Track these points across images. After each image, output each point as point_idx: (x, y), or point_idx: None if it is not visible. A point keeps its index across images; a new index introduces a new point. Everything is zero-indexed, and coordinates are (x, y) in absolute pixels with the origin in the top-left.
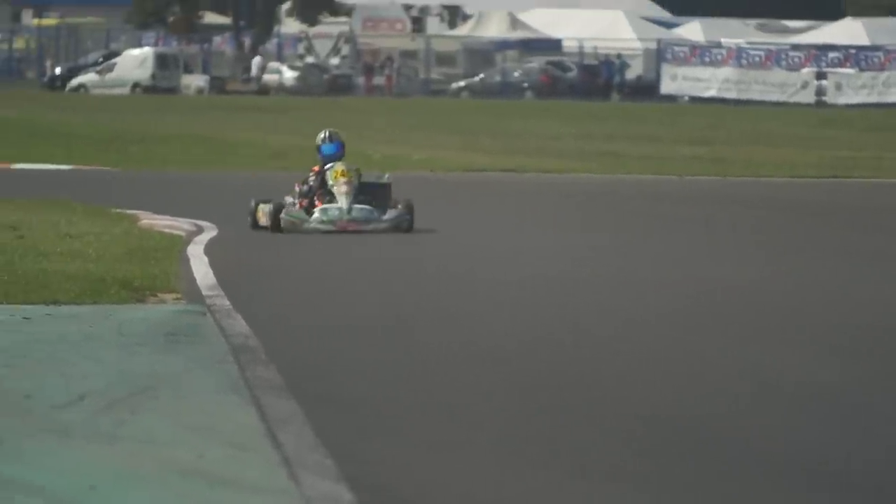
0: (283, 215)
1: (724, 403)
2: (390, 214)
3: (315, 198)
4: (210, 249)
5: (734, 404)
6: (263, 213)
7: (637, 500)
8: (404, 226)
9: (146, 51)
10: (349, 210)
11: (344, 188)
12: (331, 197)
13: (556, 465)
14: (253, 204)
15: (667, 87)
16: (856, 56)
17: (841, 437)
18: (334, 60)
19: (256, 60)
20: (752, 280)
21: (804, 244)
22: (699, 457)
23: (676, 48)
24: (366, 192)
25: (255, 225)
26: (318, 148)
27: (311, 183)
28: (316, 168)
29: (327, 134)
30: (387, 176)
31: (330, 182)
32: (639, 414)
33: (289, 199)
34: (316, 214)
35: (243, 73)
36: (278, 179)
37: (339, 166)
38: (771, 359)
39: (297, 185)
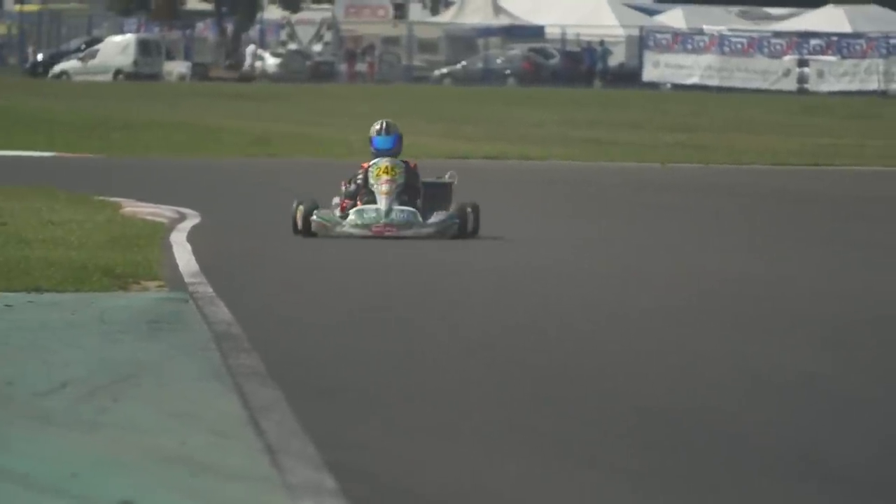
0: (313, 217)
1: (714, 395)
2: (436, 218)
3: (357, 198)
4: (193, 237)
5: (724, 396)
6: (301, 214)
7: (624, 491)
8: (451, 231)
9: (128, 37)
10: (388, 212)
11: (385, 187)
12: (372, 197)
13: (542, 453)
14: (294, 206)
15: (649, 74)
16: (838, 43)
17: (833, 429)
18: (317, 47)
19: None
20: (739, 270)
21: (788, 233)
22: (690, 448)
23: (659, 35)
24: (411, 192)
25: (297, 229)
26: (371, 140)
27: (359, 181)
28: (365, 164)
29: (383, 125)
30: (448, 175)
31: (371, 180)
32: (628, 405)
33: (335, 200)
34: (351, 216)
35: (226, 59)
36: (261, 166)
37: (384, 162)
38: (761, 350)
39: (343, 183)
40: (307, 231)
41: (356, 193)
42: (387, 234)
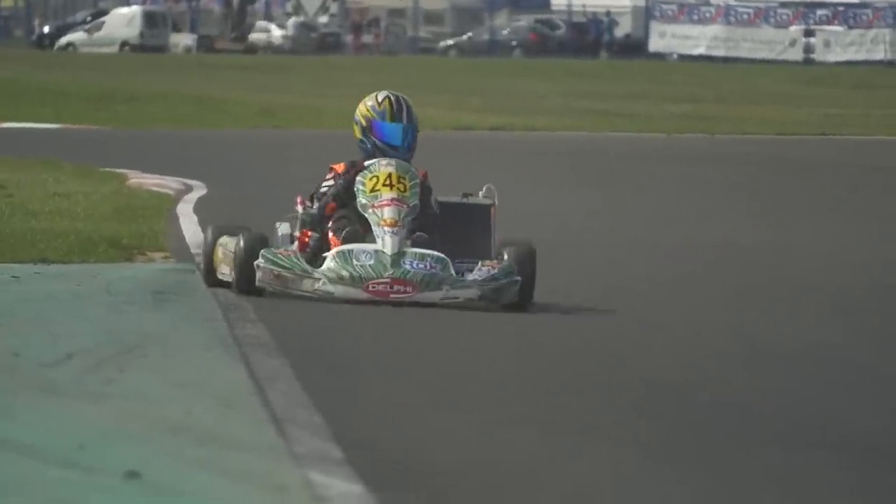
0: (259, 262)
1: (719, 365)
2: (481, 273)
3: (330, 227)
4: (199, 208)
5: (730, 366)
6: (226, 255)
7: (627, 460)
8: (509, 295)
9: (134, 9)
10: (396, 258)
11: (389, 212)
12: (357, 227)
13: (545, 424)
14: (210, 237)
15: (655, 44)
16: (844, 13)
17: (838, 398)
18: (323, 19)
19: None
20: (744, 240)
21: (794, 203)
22: (695, 419)
23: (665, 6)
24: (424, 221)
25: (212, 276)
26: (369, 125)
27: (330, 197)
28: (340, 166)
29: (397, 102)
30: (485, 190)
31: (362, 198)
32: (634, 377)
33: (282, 229)
34: (329, 264)
35: (232, 31)
36: (267, 138)
37: (388, 167)
38: (766, 319)
39: (299, 201)
40: (246, 284)
41: (321, 219)
42: (394, 297)
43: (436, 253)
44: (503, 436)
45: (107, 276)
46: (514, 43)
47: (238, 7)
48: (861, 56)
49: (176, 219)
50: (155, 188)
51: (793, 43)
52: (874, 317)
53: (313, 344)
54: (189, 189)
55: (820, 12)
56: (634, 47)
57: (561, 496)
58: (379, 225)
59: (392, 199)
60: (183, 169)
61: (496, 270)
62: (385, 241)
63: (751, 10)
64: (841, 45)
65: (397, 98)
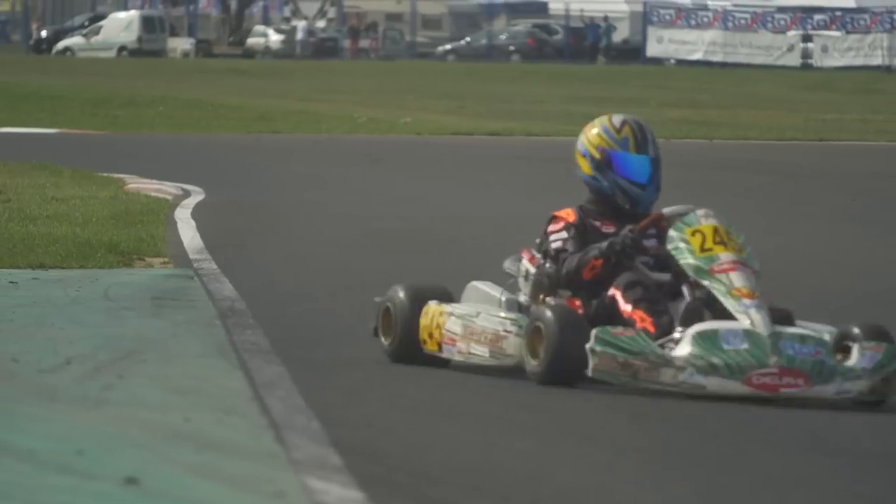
0: (594, 346)
1: None
2: (864, 359)
3: (622, 295)
4: (197, 213)
5: None
6: (475, 331)
7: (630, 467)
8: (894, 388)
9: (132, 14)
10: (774, 339)
11: (739, 279)
12: (650, 291)
13: (543, 429)
14: (406, 301)
15: (653, 49)
16: (842, 18)
17: (835, 404)
18: (320, 23)
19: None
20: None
21: (793, 208)
22: (695, 425)
23: (662, 10)
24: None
25: (407, 349)
26: (605, 158)
27: (588, 253)
28: (569, 213)
29: (633, 127)
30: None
31: (692, 259)
32: None
33: (503, 295)
34: (689, 349)
35: (230, 36)
36: (265, 143)
37: (709, 219)
38: None
39: (527, 257)
40: (570, 372)
41: (571, 281)
42: (784, 392)
43: (814, 333)
44: (503, 442)
45: (105, 281)
46: (511, 48)
47: (236, 12)
48: (859, 61)
49: (174, 224)
50: (153, 193)
51: (790, 48)
52: (875, 321)
53: (311, 349)
54: (187, 194)
55: (818, 17)
56: (632, 52)
57: (560, 502)
58: (733, 296)
59: (735, 262)
60: (181, 174)
61: (880, 355)
62: (753, 318)
63: (748, 15)
64: (839, 50)
65: (638, 123)
